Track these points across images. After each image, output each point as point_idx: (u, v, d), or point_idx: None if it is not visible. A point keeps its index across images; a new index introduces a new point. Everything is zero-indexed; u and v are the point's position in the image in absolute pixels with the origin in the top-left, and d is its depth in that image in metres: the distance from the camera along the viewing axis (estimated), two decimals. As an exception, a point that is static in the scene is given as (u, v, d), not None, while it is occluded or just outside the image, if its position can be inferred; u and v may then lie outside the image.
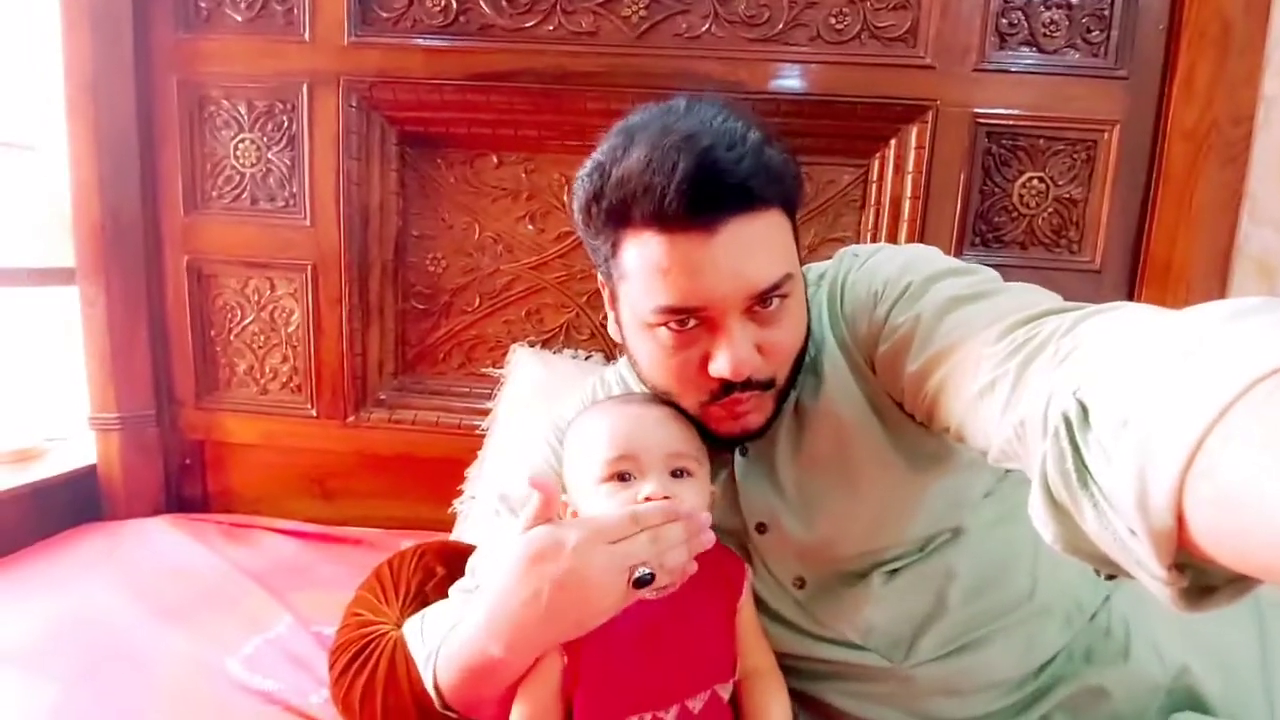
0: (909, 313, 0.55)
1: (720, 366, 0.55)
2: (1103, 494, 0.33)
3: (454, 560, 0.78)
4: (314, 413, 1.21)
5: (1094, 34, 1.04)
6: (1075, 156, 1.07)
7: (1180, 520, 0.28)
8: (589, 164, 0.58)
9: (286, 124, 1.14)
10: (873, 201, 1.12)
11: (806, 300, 0.61)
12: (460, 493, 1.14)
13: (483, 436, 1.15)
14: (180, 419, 1.23)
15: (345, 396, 1.20)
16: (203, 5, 1.12)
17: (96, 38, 1.10)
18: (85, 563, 1.05)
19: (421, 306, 1.22)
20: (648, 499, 0.53)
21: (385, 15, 1.10)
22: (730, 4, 1.07)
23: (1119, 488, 0.31)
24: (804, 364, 0.62)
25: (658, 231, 0.53)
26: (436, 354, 1.24)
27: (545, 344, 1.21)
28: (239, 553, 1.11)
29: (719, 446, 0.62)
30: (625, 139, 0.55)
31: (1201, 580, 0.31)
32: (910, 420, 0.58)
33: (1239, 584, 0.31)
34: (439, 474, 1.16)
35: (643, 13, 1.08)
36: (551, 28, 1.09)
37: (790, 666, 0.63)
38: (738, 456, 0.65)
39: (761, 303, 0.55)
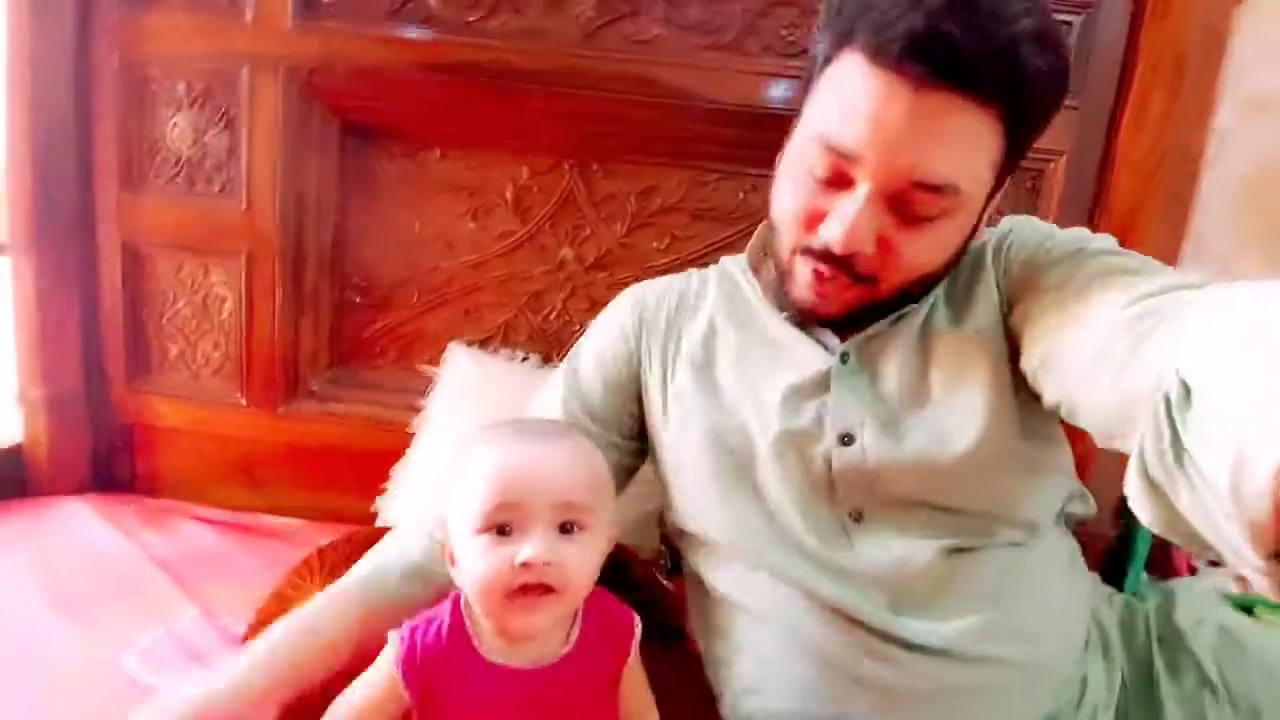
0: (1064, 273, 0.53)
1: (829, 230, 0.53)
2: (1200, 476, 0.32)
3: None
4: (244, 401, 1.19)
5: (1048, 61, 1.02)
6: (1022, 186, 1.05)
7: (1278, 509, 0.27)
8: None
9: (225, 107, 1.11)
10: (818, 218, 1.11)
11: (970, 239, 0.58)
12: (384, 490, 1.12)
13: (412, 434, 1.14)
14: (109, 399, 1.22)
15: (276, 386, 1.18)
16: (145, -20, 1.10)
17: (37, 11, 1.07)
18: (3, 543, 1.04)
19: (358, 299, 1.21)
20: (525, 565, 0.47)
21: (329, 1, 1.08)
22: (682, 10, 1.05)
23: (1215, 471, 0.30)
24: (929, 292, 0.60)
25: (866, 59, 0.50)
26: (372, 348, 1.22)
27: (483, 344, 1.20)
28: (156, 539, 1.09)
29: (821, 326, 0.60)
30: None
31: None
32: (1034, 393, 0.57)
33: None
34: (367, 468, 1.14)
35: (591, 13, 1.06)
36: (499, 23, 1.07)
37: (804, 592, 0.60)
38: (837, 364, 0.62)
39: (908, 200, 0.52)
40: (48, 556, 1.01)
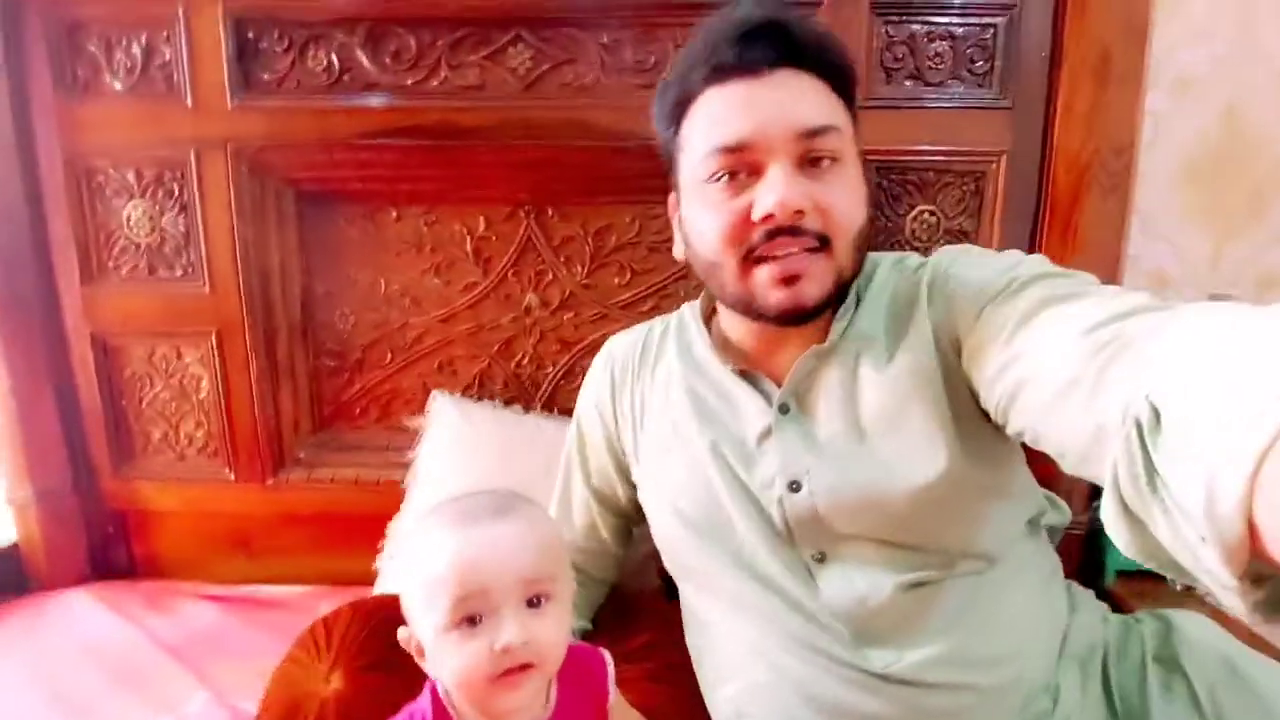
0: (1005, 308, 0.55)
1: (765, 202, 0.58)
2: (1173, 500, 0.32)
3: (389, 613, 0.80)
4: (232, 476, 1.21)
5: (978, 64, 1.05)
6: (965, 188, 1.08)
7: (1252, 529, 0.28)
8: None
9: (178, 191, 1.12)
10: (773, 239, 1.13)
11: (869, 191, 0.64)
12: (380, 549, 1.15)
13: (403, 489, 1.16)
14: (99, 489, 1.23)
15: (262, 458, 1.20)
16: (79, 73, 1.10)
17: (-29, 111, 1.08)
18: (1, 646, 1.05)
19: (333, 364, 1.22)
20: (504, 650, 0.49)
21: (268, 78, 1.08)
22: (617, 52, 1.06)
23: (1188, 494, 0.30)
24: (852, 315, 0.65)
25: (713, 85, 0.61)
26: (353, 410, 1.24)
27: (461, 394, 1.22)
28: (159, 622, 1.11)
29: (786, 321, 0.63)
30: (694, 38, 0.64)
31: None
32: (984, 419, 0.59)
33: None
34: (361, 529, 1.16)
35: (529, 63, 1.07)
36: (437, 83, 1.08)
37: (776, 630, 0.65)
38: (776, 415, 0.65)
39: (810, 154, 0.59)
40: (51, 653, 1.03)
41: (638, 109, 1.05)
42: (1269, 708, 0.62)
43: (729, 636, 0.70)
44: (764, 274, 0.60)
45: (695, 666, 0.77)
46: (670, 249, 1.13)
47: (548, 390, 1.21)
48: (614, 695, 0.59)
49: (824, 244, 0.60)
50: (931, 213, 1.08)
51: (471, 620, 0.49)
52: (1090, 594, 0.75)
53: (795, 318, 0.62)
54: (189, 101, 1.08)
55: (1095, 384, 0.42)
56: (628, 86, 1.07)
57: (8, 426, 1.16)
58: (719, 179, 0.60)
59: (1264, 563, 0.28)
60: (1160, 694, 0.65)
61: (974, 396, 0.59)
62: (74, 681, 0.97)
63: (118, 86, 1.10)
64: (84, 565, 1.23)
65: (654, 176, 1.09)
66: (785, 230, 0.58)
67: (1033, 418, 0.50)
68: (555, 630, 0.52)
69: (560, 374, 1.20)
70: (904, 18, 1.03)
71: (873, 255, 0.69)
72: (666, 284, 1.16)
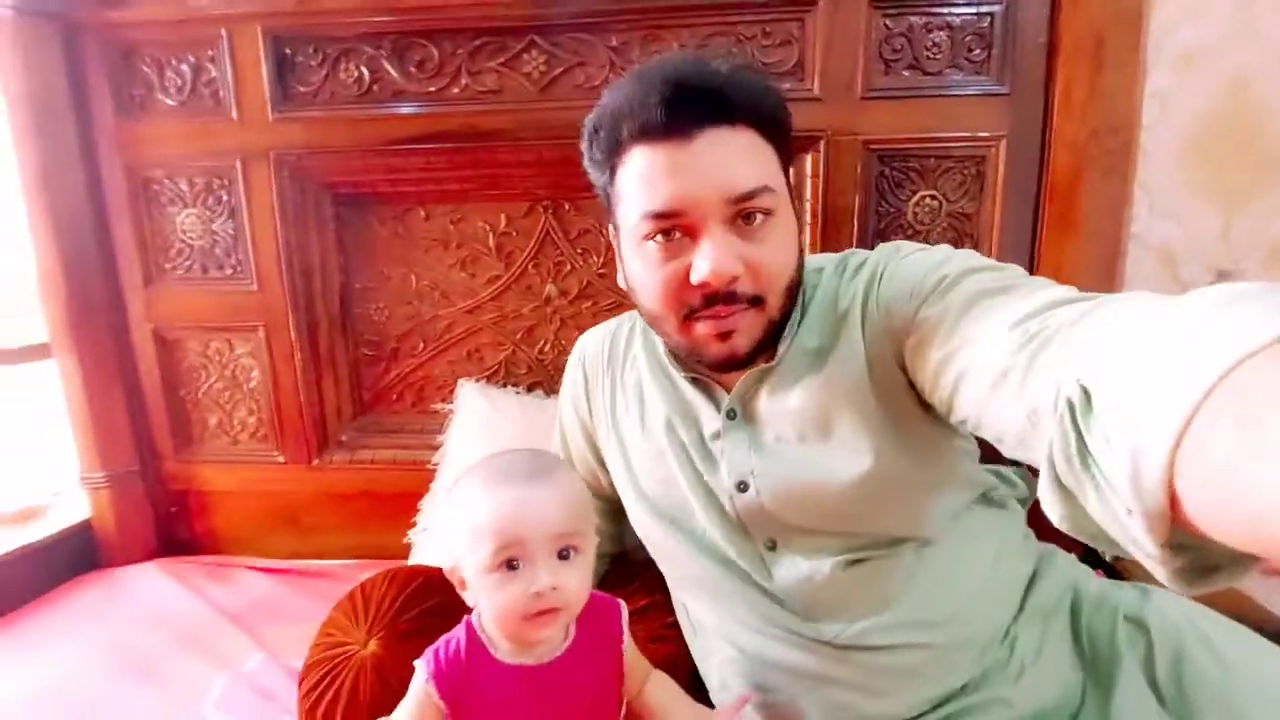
0: (938, 306, 0.57)
1: (700, 270, 0.59)
2: (1103, 475, 0.34)
3: (422, 581, 0.90)
4: (281, 459, 1.31)
5: (976, 53, 1.08)
6: (965, 173, 1.11)
7: (1174, 500, 0.30)
8: (588, 119, 0.66)
9: (226, 198, 1.22)
10: (779, 227, 1.18)
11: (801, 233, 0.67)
12: (415, 524, 1.24)
13: (434, 469, 1.25)
14: (162, 472, 1.35)
15: (308, 442, 1.30)
16: (136, 93, 1.20)
17: (43, 132, 1.18)
18: (80, 615, 1.16)
19: (371, 353, 1.31)
20: (536, 594, 0.56)
21: (304, 90, 1.17)
22: (625, 53, 1.12)
23: (1116, 469, 0.32)
24: (798, 302, 0.67)
25: (642, 144, 0.60)
26: (390, 396, 1.33)
27: (488, 379, 1.30)
28: (219, 592, 1.22)
29: (724, 368, 0.66)
30: (619, 85, 0.63)
31: (1204, 559, 0.32)
32: (925, 414, 0.62)
33: (1241, 562, 0.32)
34: (397, 507, 1.26)
35: (543, 67, 1.14)
36: (459, 89, 1.15)
37: (741, 620, 0.71)
38: (725, 420, 0.70)
39: (742, 213, 0.59)
40: (124, 620, 1.14)
41: (646, 107, 1.12)
42: (1231, 668, 0.63)
43: (702, 617, 0.78)
44: (702, 329, 0.63)
45: (686, 636, 0.84)
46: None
47: (568, 375, 1.28)
48: (627, 639, 0.67)
49: (756, 302, 0.62)
50: (933, 197, 1.12)
51: (510, 565, 0.57)
52: (1071, 557, 0.78)
53: (732, 365, 0.66)
54: (234, 115, 1.18)
55: (1025, 372, 0.44)
56: (637, 86, 1.12)
57: (81, 416, 1.28)
58: (655, 239, 0.61)
59: (1185, 531, 0.31)
60: (1125, 649, 0.68)
61: (916, 394, 0.62)
62: (145, 645, 1.07)
63: (170, 103, 1.20)
64: (151, 541, 1.35)
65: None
66: (721, 297, 0.60)
67: (973, 409, 0.52)
68: (580, 579, 0.59)
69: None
70: (902, 10, 1.07)
71: (817, 259, 0.73)
72: (679, 272, 1.22)
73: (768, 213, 0.60)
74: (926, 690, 0.67)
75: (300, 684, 0.86)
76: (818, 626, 0.68)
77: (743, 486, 0.69)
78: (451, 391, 1.29)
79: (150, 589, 1.23)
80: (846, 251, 0.73)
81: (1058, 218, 1.08)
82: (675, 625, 0.86)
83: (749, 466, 0.69)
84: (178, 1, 1.15)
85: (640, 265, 0.64)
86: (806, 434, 0.67)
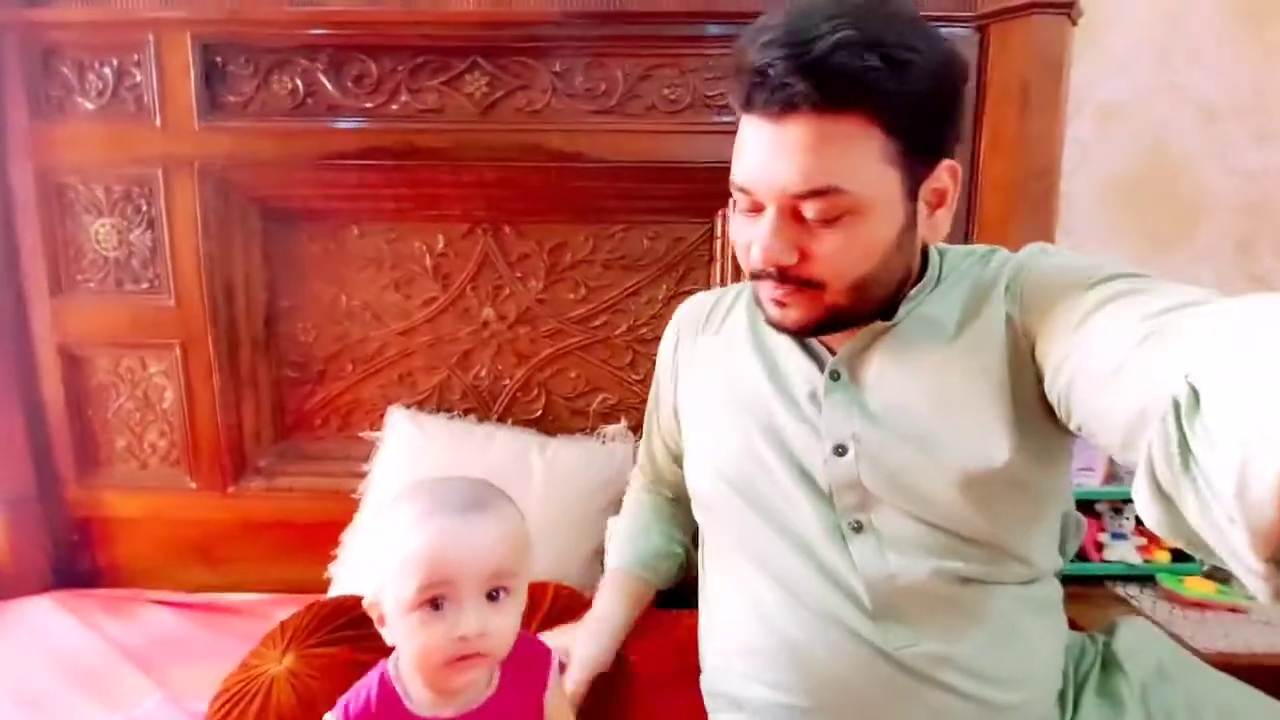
0: (1075, 302, 0.55)
1: (753, 251, 0.59)
2: (1205, 479, 0.32)
3: (346, 611, 0.88)
4: (194, 485, 1.24)
5: (910, 95, 1.11)
6: (900, 210, 1.13)
7: None
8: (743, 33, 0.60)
9: (145, 207, 1.16)
10: (718, 255, 1.18)
11: (911, 234, 0.60)
12: (335, 557, 1.18)
13: (359, 500, 1.19)
14: (63, 498, 1.25)
15: (223, 467, 1.23)
16: (53, 94, 1.14)
17: (-53, 130, 1.12)
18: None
19: (295, 375, 1.26)
20: (463, 638, 0.52)
21: (234, 100, 1.13)
22: (568, 79, 1.12)
23: (1221, 475, 0.31)
24: (914, 300, 0.64)
25: (743, 109, 0.58)
26: (314, 420, 1.27)
27: (420, 405, 1.25)
28: (119, 628, 1.13)
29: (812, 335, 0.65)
30: (762, 21, 0.56)
31: None
32: (1047, 415, 0.59)
33: None
34: (317, 538, 1.19)
35: (485, 89, 1.12)
36: (397, 106, 1.13)
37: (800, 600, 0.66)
38: (826, 380, 0.66)
39: (804, 208, 0.56)
40: (12, 657, 1.05)
41: (589, 133, 1.13)
42: (1193, 704, 0.65)
43: (738, 593, 0.71)
44: (762, 291, 0.63)
45: (701, 608, 0.79)
46: (623, 266, 1.20)
47: (505, 401, 1.25)
48: (552, 684, 0.63)
49: (813, 285, 0.59)
50: (868, 233, 1.13)
51: (434, 604, 0.52)
52: (1072, 633, 0.77)
53: (787, 332, 0.65)
54: (158, 122, 1.13)
55: (1139, 369, 0.43)
56: (579, 112, 1.12)
57: (-27, 436, 1.19)
58: (740, 208, 0.62)
59: None
60: (1098, 689, 0.68)
61: (1041, 390, 0.59)
62: (33, 687, 0.98)
63: (89, 107, 1.14)
64: (46, 572, 1.25)
65: (606, 197, 1.16)
66: (774, 273, 0.59)
67: (1086, 406, 0.50)
68: (509, 623, 0.55)
69: (517, 386, 1.25)
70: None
71: (958, 248, 0.70)
72: (620, 300, 1.21)
73: (839, 214, 0.56)
74: None
75: (208, 712, 0.81)
76: (884, 628, 0.62)
77: (840, 450, 0.64)
78: (381, 417, 1.24)
79: (42, 625, 1.14)
80: (993, 246, 0.70)
81: (987, 256, 1.10)
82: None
83: (850, 430, 0.64)
84: (104, 3, 1.11)
85: (734, 222, 0.64)
86: (924, 408, 0.62)
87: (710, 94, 1.11)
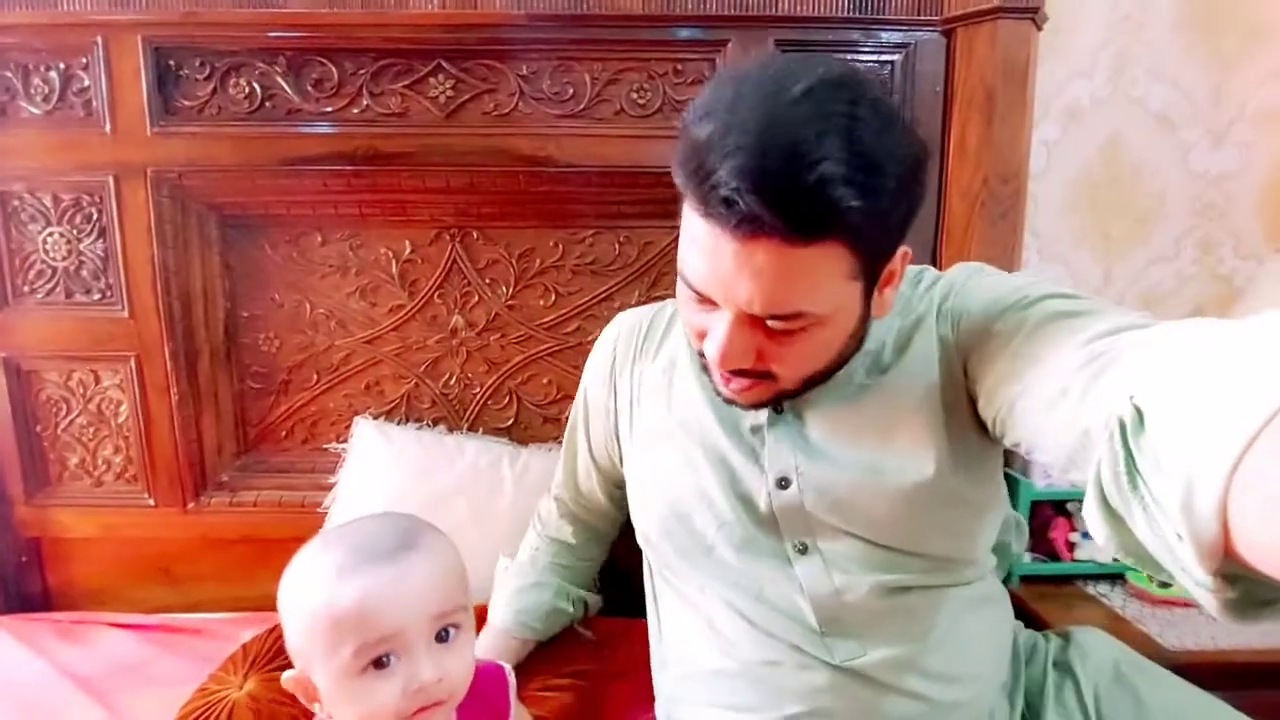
0: (1012, 322, 0.55)
1: (708, 348, 0.57)
2: (1152, 497, 0.33)
3: None
4: (151, 502, 1.19)
5: (878, 99, 1.11)
6: (869, 214, 1.13)
7: (1226, 529, 0.28)
8: (691, 103, 0.54)
9: (95, 216, 1.12)
10: (691, 262, 1.17)
11: (864, 327, 0.60)
12: (302, 574, 1.14)
13: (325, 514, 1.16)
14: (12, 518, 1.20)
15: (183, 483, 1.19)
16: (-3, 99, 1.10)
17: (-118, 137, 1.06)
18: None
19: (258, 386, 1.22)
20: (420, 689, 0.48)
21: (189, 104, 1.09)
22: (535, 82, 1.10)
23: (1167, 493, 0.31)
24: (844, 366, 0.62)
25: (698, 210, 0.52)
26: (278, 432, 1.24)
27: (388, 415, 1.23)
28: (71, 654, 1.08)
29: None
30: (720, 100, 0.51)
31: (1258, 593, 0.31)
32: (979, 431, 0.60)
33: None
34: (283, 554, 1.13)
35: (450, 93, 1.10)
36: (359, 110, 1.10)
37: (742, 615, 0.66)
38: (770, 413, 0.66)
39: (762, 320, 0.54)
40: (-44, 690, 1.00)
41: (557, 137, 1.11)
42: (1146, 707, 0.67)
43: (689, 620, 0.72)
44: (713, 372, 0.62)
45: (651, 640, 0.79)
46: (593, 272, 1.18)
47: (475, 410, 1.23)
48: (514, 708, 0.61)
49: (768, 377, 0.59)
50: (838, 237, 1.13)
51: (379, 663, 0.48)
52: (1020, 627, 0.79)
53: (741, 407, 0.65)
54: (107, 128, 1.09)
55: (1084, 392, 0.44)
56: (546, 116, 1.10)
57: (-86, 455, 1.14)
58: (688, 293, 0.58)
59: (1237, 563, 0.29)
60: (1055, 695, 0.71)
61: (974, 408, 0.60)
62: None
63: (34, 112, 1.09)
64: (-5, 596, 1.20)
65: (575, 202, 1.15)
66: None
67: (1028, 428, 0.50)
68: (465, 662, 0.52)
69: (488, 394, 1.22)
70: (806, 53, 1.09)
71: None
72: (590, 306, 1.19)
73: (798, 329, 0.55)
74: None
75: None
76: (829, 644, 0.64)
77: (783, 483, 0.65)
78: (348, 428, 1.21)
79: (-11, 651, 1.09)
80: (923, 266, 0.71)
81: (953, 261, 1.10)
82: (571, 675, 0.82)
83: (793, 463, 0.65)
84: (49, 5, 1.07)
85: (679, 292, 0.60)
86: (863, 436, 0.63)
87: (680, 99, 1.10)
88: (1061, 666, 0.74)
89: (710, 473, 0.68)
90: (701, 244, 0.53)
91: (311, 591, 0.49)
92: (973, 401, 0.60)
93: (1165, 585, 1.06)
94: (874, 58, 1.10)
